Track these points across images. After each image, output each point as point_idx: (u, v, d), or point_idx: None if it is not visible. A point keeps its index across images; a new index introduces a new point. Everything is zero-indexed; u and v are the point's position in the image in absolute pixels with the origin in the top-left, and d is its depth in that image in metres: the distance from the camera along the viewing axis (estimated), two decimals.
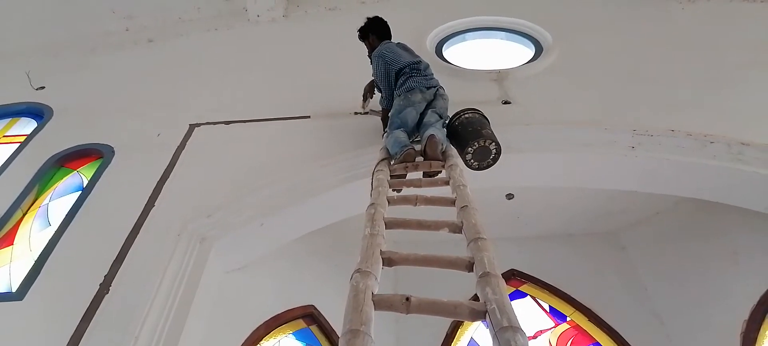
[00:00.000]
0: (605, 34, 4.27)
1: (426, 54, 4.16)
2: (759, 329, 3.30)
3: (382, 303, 1.18)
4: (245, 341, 3.21)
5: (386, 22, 3.25)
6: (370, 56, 3.14)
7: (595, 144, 3.05)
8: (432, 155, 2.37)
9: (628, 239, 4.48)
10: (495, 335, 1.04)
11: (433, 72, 2.97)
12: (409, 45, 3.21)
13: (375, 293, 1.22)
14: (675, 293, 3.87)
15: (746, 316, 3.35)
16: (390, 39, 3.19)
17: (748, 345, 3.27)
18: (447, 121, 2.70)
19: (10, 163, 3.67)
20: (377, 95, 3.12)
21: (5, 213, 3.20)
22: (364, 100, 3.38)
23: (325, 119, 3.55)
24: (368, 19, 3.24)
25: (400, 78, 2.84)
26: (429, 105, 2.75)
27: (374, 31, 3.19)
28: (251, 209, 2.92)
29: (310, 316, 3.65)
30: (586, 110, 3.37)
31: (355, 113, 3.44)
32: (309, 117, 3.58)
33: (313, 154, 3.23)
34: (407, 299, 1.17)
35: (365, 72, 3.30)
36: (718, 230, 3.83)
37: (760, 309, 3.34)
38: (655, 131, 2.99)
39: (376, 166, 2.39)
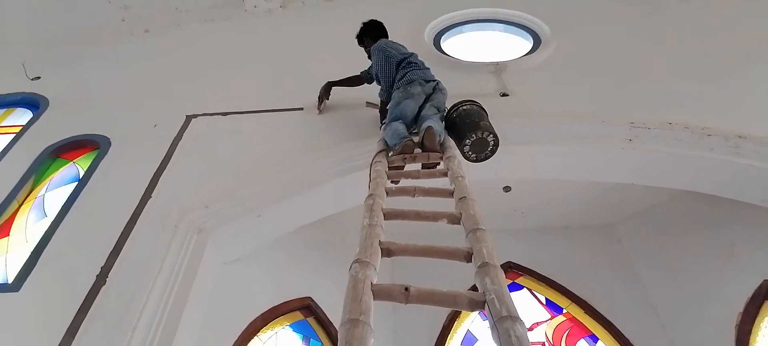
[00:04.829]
0: (603, 26, 4.25)
1: (424, 46, 4.14)
2: (753, 322, 3.34)
3: (381, 293, 1.18)
4: (242, 332, 3.22)
5: (380, 22, 3.29)
6: (368, 54, 3.19)
7: (592, 137, 3.05)
8: (430, 147, 2.37)
9: (624, 231, 4.51)
10: (494, 325, 1.04)
11: (429, 66, 2.97)
12: (406, 37, 3.21)
13: (374, 283, 1.22)
14: (670, 286, 3.90)
15: (741, 308, 3.39)
16: (386, 37, 3.21)
17: (742, 337, 3.31)
18: (445, 113, 2.70)
19: (5, 153, 3.64)
20: (376, 87, 3.12)
21: (1, 204, 3.18)
22: (319, 102, 3.41)
23: (323, 110, 3.53)
24: (363, 23, 3.29)
25: (400, 71, 2.84)
26: (428, 99, 2.74)
27: (369, 34, 3.25)
28: (248, 200, 2.91)
29: (307, 308, 3.66)
30: (583, 103, 3.36)
31: (318, 112, 3.45)
32: (302, 109, 3.55)
33: (311, 146, 3.22)
34: (406, 289, 1.16)
35: (362, 62, 3.31)
36: (714, 223, 3.85)
37: (755, 302, 3.37)
38: (652, 124, 2.99)
39: (374, 157, 2.38)
